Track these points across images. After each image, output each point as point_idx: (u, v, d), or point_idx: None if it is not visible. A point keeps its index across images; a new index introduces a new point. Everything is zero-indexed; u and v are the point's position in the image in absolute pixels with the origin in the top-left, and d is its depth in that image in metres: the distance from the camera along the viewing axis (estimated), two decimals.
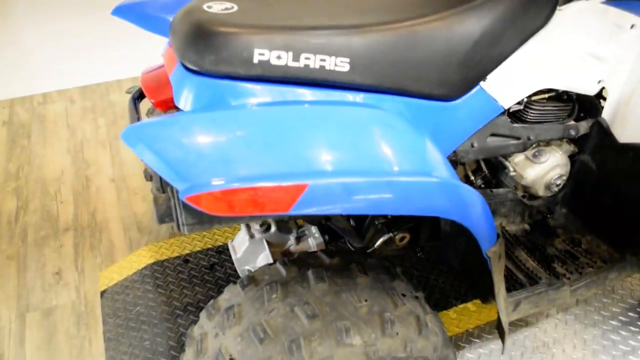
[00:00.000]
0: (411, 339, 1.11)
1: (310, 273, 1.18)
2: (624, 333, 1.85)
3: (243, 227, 1.67)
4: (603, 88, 1.56)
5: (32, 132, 3.17)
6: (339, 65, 1.18)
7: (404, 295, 1.19)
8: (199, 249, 2.14)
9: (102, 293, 2.04)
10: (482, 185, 1.79)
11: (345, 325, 1.06)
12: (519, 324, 1.86)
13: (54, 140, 3.10)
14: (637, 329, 1.86)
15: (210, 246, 2.15)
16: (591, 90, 1.55)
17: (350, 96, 1.23)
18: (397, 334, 1.09)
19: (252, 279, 1.21)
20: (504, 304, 1.28)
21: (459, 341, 1.79)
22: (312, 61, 1.15)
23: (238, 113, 1.02)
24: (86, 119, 3.29)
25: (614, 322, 1.88)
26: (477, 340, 1.79)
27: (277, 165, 0.93)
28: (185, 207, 1.19)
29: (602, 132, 1.59)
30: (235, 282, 1.25)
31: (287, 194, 0.89)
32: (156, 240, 2.28)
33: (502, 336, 1.39)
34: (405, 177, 0.98)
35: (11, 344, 1.94)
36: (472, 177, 1.78)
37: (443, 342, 1.21)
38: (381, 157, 1.03)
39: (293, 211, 0.90)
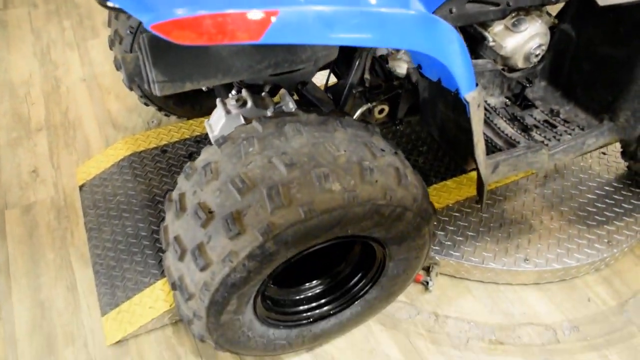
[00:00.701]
0: (391, 188, 1.11)
1: (287, 128, 1.15)
2: (599, 205, 1.88)
3: (219, 104, 1.63)
4: None
5: None
6: None
7: (382, 150, 1.18)
8: (177, 139, 2.10)
9: (81, 187, 2.01)
10: None
11: (324, 172, 1.05)
12: (498, 198, 1.88)
13: (19, 44, 2.96)
14: (612, 201, 1.90)
15: (187, 136, 2.11)
16: None
17: None
18: (377, 181, 1.09)
19: (229, 138, 1.18)
20: (482, 157, 1.28)
21: (439, 215, 1.81)
22: None
23: None
24: (51, 22, 3.14)
25: (590, 196, 1.92)
26: (457, 214, 1.82)
27: None
28: (155, 62, 1.15)
29: None
30: (211, 145, 1.22)
31: (258, 21, 0.85)
32: (133, 134, 2.23)
33: (480, 194, 1.40)
34: (382, 8, 0.94)
35: None
36: None
37: (423, 195, 1.21)
38: None
39: (265, 40, 0.86)
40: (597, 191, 1.94)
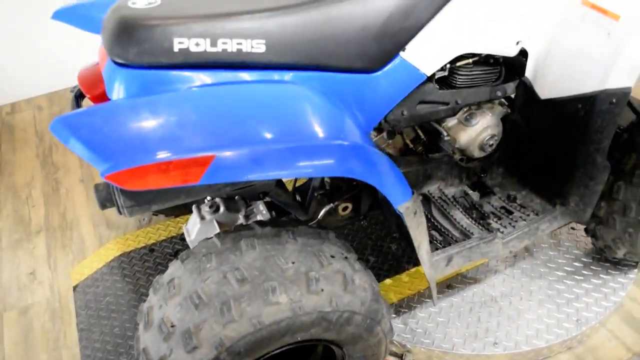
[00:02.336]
0: (337, 294, 1.20)
1: (242, 242, 1.26)
2: (568, 282, 1.95)
3: (194, 210, 1.75)
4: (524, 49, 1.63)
5: (2, 142, 3.23)
6: (255, 47, 1.26)
7: (332, 256, 1.28)
8: (164, 238, 2.22)
9: (75, 288, 2.12)
10: (423, 152, 1.88)
11: (272, 285, 1.15)
12: (468, 281, 1.96)
13: (23, 147, 3.16)
14: (581, 277, 1.96)
15: (174, 235, 2.23)
16: (511, 52, 1.63)
17: (268, 75, 1.30)
18: (322, 290, 1.18)
19: (191, 253, 1.30)
20: (426, 257, 1.37)
21: (411, 302, 1.88)
22: (229, 45, 1.23)
23: (153, 98, 1.10)
24: None
25: (559, 273, 1.98)
26: (427, 300, 1.89)
27: (188, 141, 1.01)
28: (123, 190, 1.28)
29: (527, 91, 1.67)
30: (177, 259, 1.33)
31: (196, 166, 0.98)
32: (124, 234, 2.36)
33: (431, 289, 1.48)
34: (308, 142, 1.07)
35: None
36: (412, 145, 1.87)
37: (372, 297, 1.30)
38: (288, 127, 1.11)
39: (203, 181, 0.99)
40: (566, 268, 2.00)
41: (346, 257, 1.32)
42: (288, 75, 1.33)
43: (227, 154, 1.00)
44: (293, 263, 1.21)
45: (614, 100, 1.44)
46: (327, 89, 1.39)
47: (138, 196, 1.29)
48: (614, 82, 1.42)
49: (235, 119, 1.09)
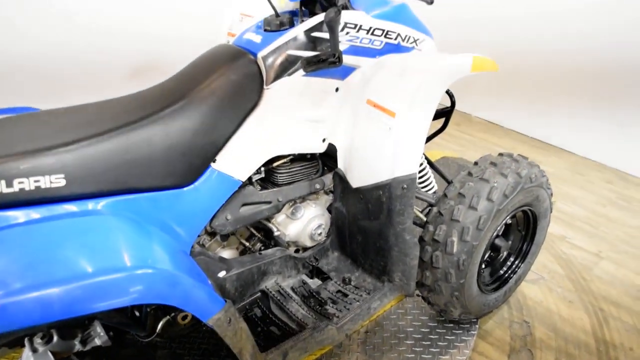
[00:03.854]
0: None
1: None
2: (417, 349, 2.05)
3: (26, 342, 1.68)
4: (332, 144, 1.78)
5: None
6: (55, 182, 1.29)
7: None
8: None
9: None
10: (262, 248, 1.95)
11: None
12: None
13: None
14: (428, 342, 2.08)
15: None
16: (320, 149, 1.78)
17: (72, 207, 1.33)
18: None
19: None
20: None
21: None
22: (27, 184, 1.25)
23: None
24: None
25: (408, 342, 2.09)
26: None
27: None
28: None
29: (341, 181, 1.81)
30: None
31: None
32: None
33: None
34: (97, 277, 1.09)
35: None
36: (247, 244, 1.93)
37: None
38: (85, 263, 1.12)
39: None
40: (414, 335, 2.11)
41: None
42: (93, 205, 1.36)
43: (11, 300, 1.00)
44: None
45: (405, 186, 1.61)
46: (137, 211, 1.43)
47: None
48: (401, 170, 1.60)
49: (25, 263, 1.09)
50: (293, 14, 1.75)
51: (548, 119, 3.93)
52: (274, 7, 1.63)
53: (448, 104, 2.17)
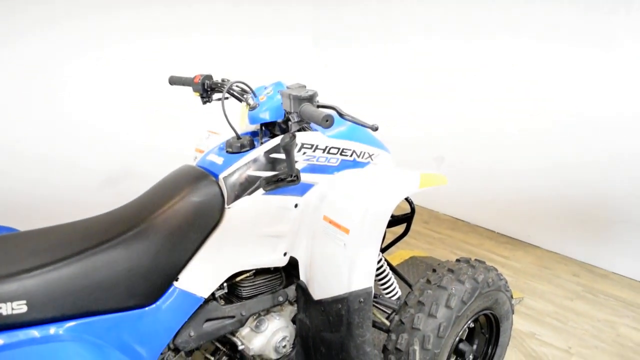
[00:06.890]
0: None
1: None
2: None
3: None
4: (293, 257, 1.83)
5: None
6: (16, 308, 1.31)
7: None
8: None
9: None
10: None
11: None
12: None
13: None
14: None
15: None
16: (281, 262, 1.83)
17: (33, 332, 1.34)
18: None
19: None
20: None
21: None
22: None
23: None
24: None
25: None
26: None
27: None
28: None
29: (304, 293, 1.85)
30: None
31: None
32: None
33: None
34: None
35: None
36: (212, 359, 1.93)
37: None
38: None
39: None
40: None
41: None
42: (55, 329, 1.38)
43: None
44: None
45: (361, 300, 1.66)
46: (98, 334, 1.45)
47: None
48: (357, 284, 1.65)
49: None
50: (254, 134, 1.87)
51: (513, 215, 4.07)
52: (235, 130, 1.74)
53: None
